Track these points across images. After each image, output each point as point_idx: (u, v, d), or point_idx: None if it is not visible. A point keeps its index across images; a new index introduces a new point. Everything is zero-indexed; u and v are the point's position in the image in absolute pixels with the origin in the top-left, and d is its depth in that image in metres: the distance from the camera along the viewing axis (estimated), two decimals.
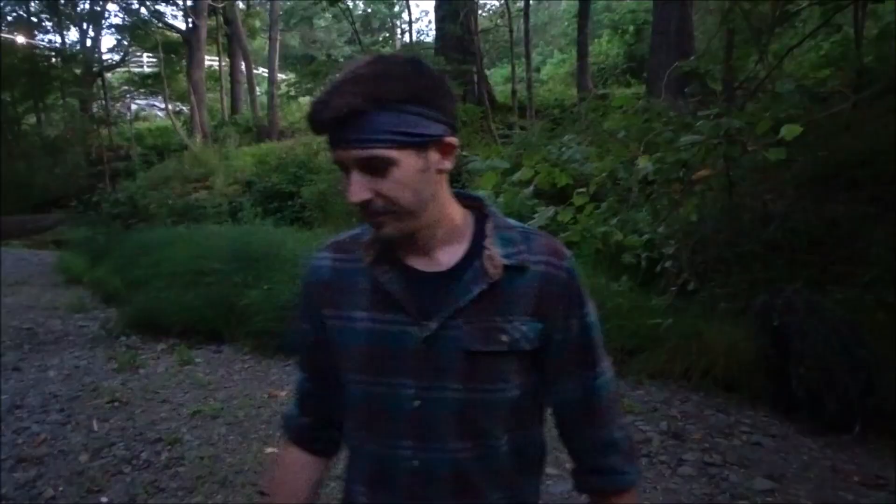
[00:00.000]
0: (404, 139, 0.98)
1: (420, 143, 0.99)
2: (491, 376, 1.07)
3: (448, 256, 1.10)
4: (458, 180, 9.49)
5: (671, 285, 5.53)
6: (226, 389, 5.16)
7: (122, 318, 7.17)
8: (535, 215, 4.42)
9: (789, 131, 3.85)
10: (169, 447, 4.09)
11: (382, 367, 1.09)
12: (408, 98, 0.98)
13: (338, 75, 1.01)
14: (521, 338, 1.07)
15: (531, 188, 4.50)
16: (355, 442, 1.17)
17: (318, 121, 0.99)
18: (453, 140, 1.04)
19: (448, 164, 1.05)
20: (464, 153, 5.28)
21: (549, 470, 3.61)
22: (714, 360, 4.68)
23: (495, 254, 1.07)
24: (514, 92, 13.60)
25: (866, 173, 5.67)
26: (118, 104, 23.88)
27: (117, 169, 18.87)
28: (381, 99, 0.96)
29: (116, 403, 4.86)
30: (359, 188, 1.00)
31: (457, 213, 1.12)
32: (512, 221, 1.15)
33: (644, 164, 4.49)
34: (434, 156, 1.03)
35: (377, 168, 0.99)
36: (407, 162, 0.99)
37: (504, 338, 1.06)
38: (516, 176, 4.47)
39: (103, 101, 21.77)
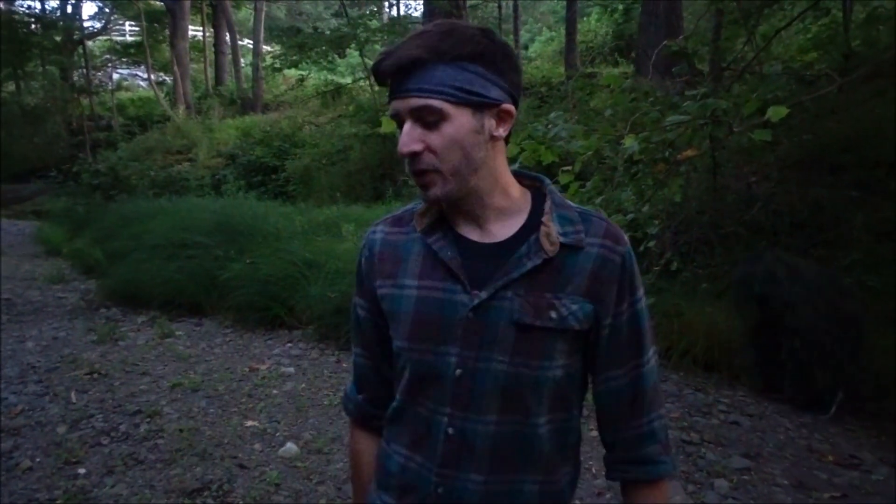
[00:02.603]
0: (460, 95, 0.98)
1: (476, 103, 1.00)
2: (538, 352, 1.05)
3: (503, 229, 1.09)
4: None
5: (654, 265, 5.55)
6: (206, 363, 5.14)
7: (102, 290, 7.12)
8: None
9: (775, 113, 3.83)
10: (148, 419, 4.07)
11: (430, 335, 1.08)
12: (470, 56, 0.99)
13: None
14: (569, 316, 1.05)
15: (516, 165, 4.47)
16: (400, 405, 1.16)
17: (380, 69, 1.00)
18: (511, 108, 1.04)
19: (503, 132, 1.05)
20: None
21: None
22: (694, 340, 4.72)
23: (553, 230, 1.06)
24: None
25: (850, 157, 5.70)
26: (99, 73, 23.42)
27: (98, 139, 18.62)
28: (443, 53, 0.98)
29: (95, 375, 4.83)
30: (410, 139, 1.00)
31: (513, 187, 1.11)
32: (571, 203, 1.14)
33: (630, 143, 4.46)
34: (490, 120, 1.03)
35: (430, 121, 0.99)
36: (460, 119, 0.99)
37: (553, 314, 1.05)
38: None
39: (84, 70, 21.37)
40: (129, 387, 4.62)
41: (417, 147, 1.00)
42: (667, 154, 4.97)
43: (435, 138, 1.00)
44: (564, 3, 15.94)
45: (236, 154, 14.62)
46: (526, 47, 19.81)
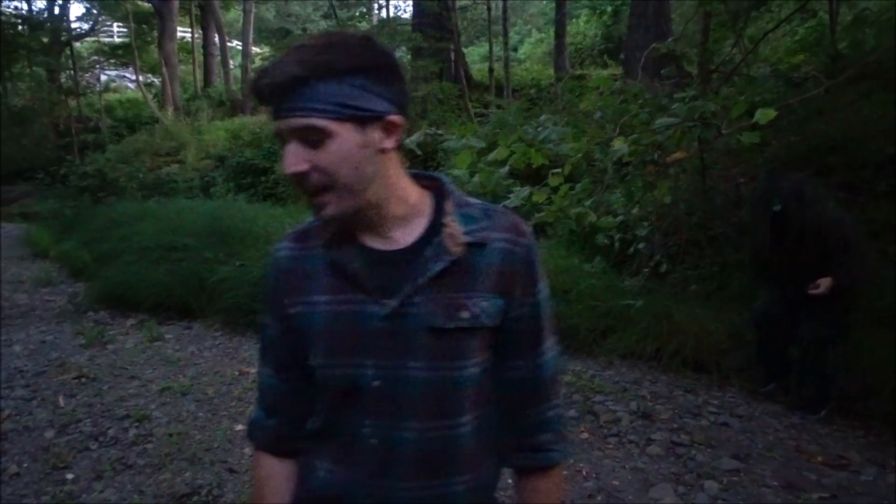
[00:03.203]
0: (343, 111, 0.96)
1: (360, 118, 0.97)
2: (454, 353, 1.06)
3: (406, 235, 1.08)
4: (433, 159, 9.45)
5: (643, 267, 5.58)
6: (196, 366, 5.11)
7: (91, 293, 7.07)
8: (511, 195, 4.41)
9: (763, 115, 3.86)
10: (137, 424, 4.05)
11: (345, 349, 1.07)
12: (351, 69, 0.96)
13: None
14: (482, 314, 1.05)
15: (507, 168, 4.48)
16: (322, 422, 1.15)
17: (259, 89, 0.98)
18: (397, 119, 1.01)
19: (390, 143, 1.02)
20: (439, 132, 5.24)
21: None
22: (684, 341, 4.74)
23: (456, 230, 1.06)
24: (491, 70, 13.53)
25: (837, 159, 5.74)
26: (87, 75, 23.24)
27: (86, 141, 18.49)
28: (322, 68, 0.95)
29: (83, 379, 4.80)
30: (295, 159, 0.98)
31: (412, 193, 1.10)
32: (472, 199, 1.13)
33: (619, 145, 4.48)
34: (376, 133, 1.00)
35: (314, 140, 0.97)
36: (345, 135, 0.97)
37: (466, 314, 1.04)
38: (492, 155, 4.44)
39: (72, 71, 21.24)
40: (117, 391, 4.59)
41: (303, 167, 0.98)
42: (656, 156, 5.00)
43: (321, 157, 0.97)
44: (554, 5, 15.98)
45: (225, 156, 14.56)
46: (515, 49, 19.85)
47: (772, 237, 3.96)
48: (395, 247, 1.08)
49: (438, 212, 1.09)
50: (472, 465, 1.12)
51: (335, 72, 0.95)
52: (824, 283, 3.80)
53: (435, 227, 1.08)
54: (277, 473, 1.22)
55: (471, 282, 1.05)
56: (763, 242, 4.04)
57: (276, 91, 0.96)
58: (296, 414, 1.20)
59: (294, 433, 1.20)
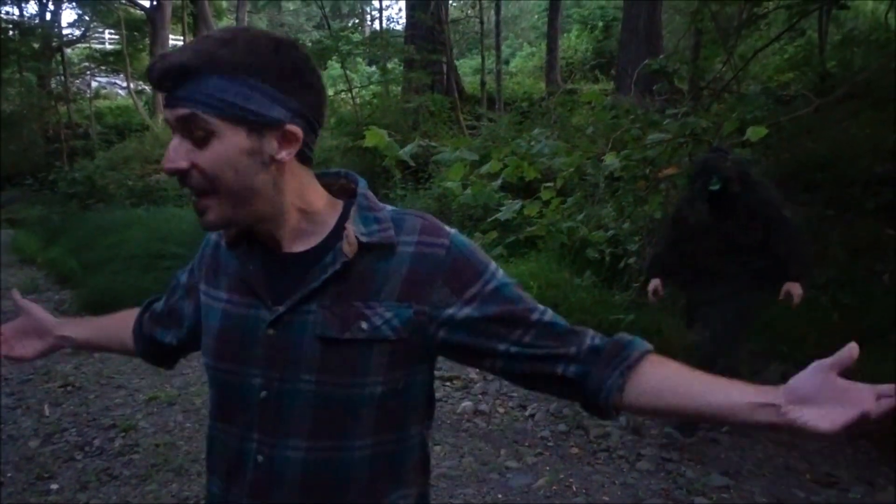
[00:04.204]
0: (230, 110, 0.89)
1: (252, 122, 0.91)
2: (349, 368, 0.96)
3: (308, 243, 1.01)
4: (425, 171, 9.47)
5: (634, 281, 5.59)
6: (183, 376, 5.07)
7: (78, 301, 7.01)
8: (502, 208, 4.42)
9: (755, 133, 3.90)
10: (123, 434, 4.00)
11: (233, 354, 1.02)
12: (250, 69, 0.90)
13: None
14: (383, 325, 0.96)
15: (499, 181, 4.49)
16: (213, 431, 1.09)
17: (151, 73, 0.91)
18: (295, 129, 0.94)
19: (285, 155, 0.94)
20: (432, 144, 5.25)
21: (510, 463, 3.63)
22: (674, 356, 4.70)
23: (351, 231, 0.97)
24: (483, 83, 13.58)
25: (825, 176, 5.79)
26: (78, 81, 23.19)
27: (75, 147, 18.44)
28: (218, 62, 0.89)
29: (69, 388, 4.75)
30: (175, 154, 0.92)
31: (317, 204, 1.02)
32: (384, 205, 1.05)
33: (611, 160, 4.51)
34: (271, 142, 0.93)
35: (198, 136, 0.90)
36: (232, 138, 0.90)
37: (364, 324, 0.96)
38: (484, 168, 4.46)
39: (62, 77, 21.17)
40: (103, 400, 4.55)
41: (182, 164, 0.91)
42: (647, 171, 5.03)
43: (203, 157, 0.91)
44: (545, 19, 16.08)
45: None
46: (507, 62, 19.93)
47: (710, 217, 3.66)
48: (294, 250, 1.01)
49: (344, 219, 1.02)
50: (368, 495, 1.02)
51: (230, 67, 0.89)
52: (795, 292, 3.55)
53: (337, 233, 1.00)
54: (135, 318, 1.29)
55: (374, 290, 0.97)
56: (697, 224, 3.71)
57: (165, 77, 0.90)
58: (164, 323, 1.24)
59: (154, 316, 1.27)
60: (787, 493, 3.36)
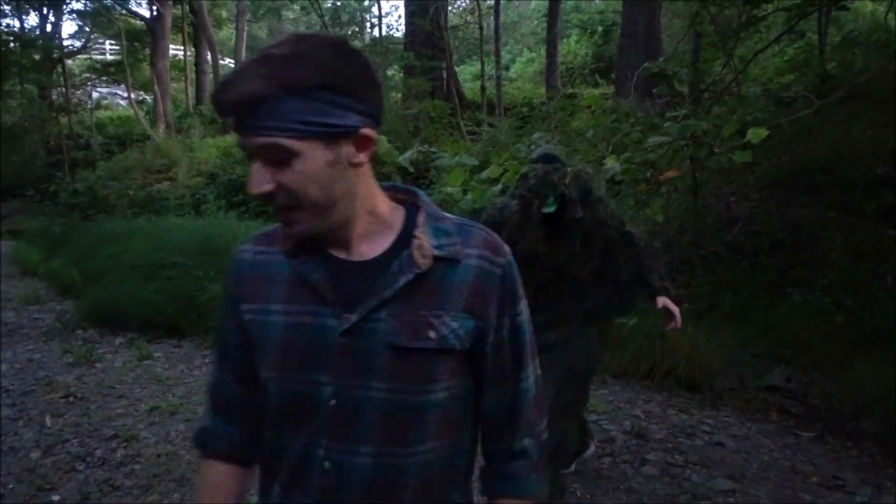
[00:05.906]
0: (309, 129, 0.90)
1: (328, 135, 0.92)
2: (418, 376, 1.00)
3: (374, 248, 1.03)
4: (425, 176, 9.46)
5: None
6: (185, 385, 5.06)
7: (79, 311, 7.00)
8: None
9: (755, 135, 3.89)
10: (125, 444, 3.99)
11: (299, 363, 1.01)
12: (319, 84, 0.90)
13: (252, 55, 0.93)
14: (450, 334, 1.00)
15: (499, 186, 4.48)
16: (274, 440, 1.09)
17: (221, 103, 0.92)
18: (370, 132, 0.96)
19: (363, 158, 0.97)
20: (432, 149, 5.25)
21: None
22: (676, 361, 4.72)
23: (425, 243, 1.00)
24: (483, 89, 13.59)
25: (827, 178, 5.78)
26: (79, 92, 23.25)
27: (76, 158, 18.42)
28: (288, 84, 0.89)
29: (71, 398, 4.73)
30: (260, 179, 0.93)
31: (383, 207, 1.05)
32: (448, 214, 1.08)
33: (611, 163, 4.50)
34: (347, 148, 0.95)
35: (280, 159, 0.92)
36: (312, 154, 0.92)
37: (432, 333, 0.99)
38: (484, 174, 4.45)
39: (63, 89, 21.21)
40: (105, 410, 4.53)
41: (268, 188, 0.93)
42: (648, 175, 5.01)
43: (287, 177, 0.92)
44: (545, 24, 16.10)
45: (217, 173, 14.52)
46: (507, 68, 19.95)
47: (543, 246, 2.87)
48: (361, 258, 1.03)
49: (410, 225, 1.04)
50: (433, 496, 1.06)
51: (301, 88, 0.90)
52: (673, 309, 3.14)
53: (404, 240, 1.02)
54: (232, 480, 1.17)
55: (440, 300, 1.00)
56: (526, 252, 2.76)
57: (237, 107, 0.91)
58: (257, 424, 1.13)
59: (256, 442, 1.15)
60: (793, 496, 3.34)
